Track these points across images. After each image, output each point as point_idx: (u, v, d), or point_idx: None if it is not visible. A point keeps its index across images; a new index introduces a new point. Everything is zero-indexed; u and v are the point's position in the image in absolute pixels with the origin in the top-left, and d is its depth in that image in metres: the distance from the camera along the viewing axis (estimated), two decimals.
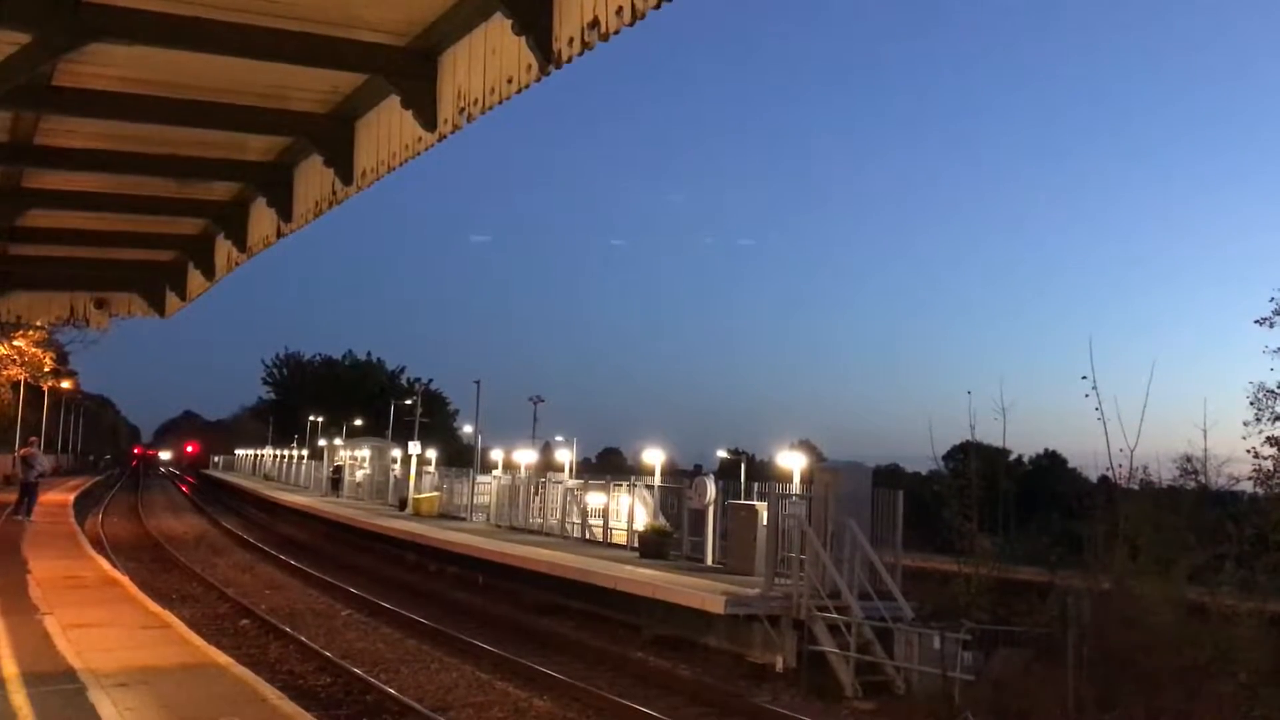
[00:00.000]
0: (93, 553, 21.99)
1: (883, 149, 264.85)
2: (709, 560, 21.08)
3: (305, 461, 65.75)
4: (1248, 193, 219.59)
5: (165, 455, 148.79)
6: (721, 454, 61.33)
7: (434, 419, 78.79)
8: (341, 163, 8.63)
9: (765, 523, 17.91)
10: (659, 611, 17.26)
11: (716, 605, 15.63)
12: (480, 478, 36.40)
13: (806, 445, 48.06)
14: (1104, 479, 17.84)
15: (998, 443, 21.08)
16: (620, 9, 5.11)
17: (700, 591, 16.38)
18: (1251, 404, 17.92)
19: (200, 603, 20.79)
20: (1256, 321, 18.32)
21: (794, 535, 16.85)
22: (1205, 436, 16.92)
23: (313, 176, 9.43)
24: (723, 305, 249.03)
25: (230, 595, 21.57)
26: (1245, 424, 17.77)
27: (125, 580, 17.67)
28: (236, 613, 19.65)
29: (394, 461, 47.38)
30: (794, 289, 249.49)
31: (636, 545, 22.99)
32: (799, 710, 13.36)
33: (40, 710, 8.11)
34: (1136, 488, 16.74)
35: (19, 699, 8.49)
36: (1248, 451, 17.51)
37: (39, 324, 37.03)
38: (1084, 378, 17.12)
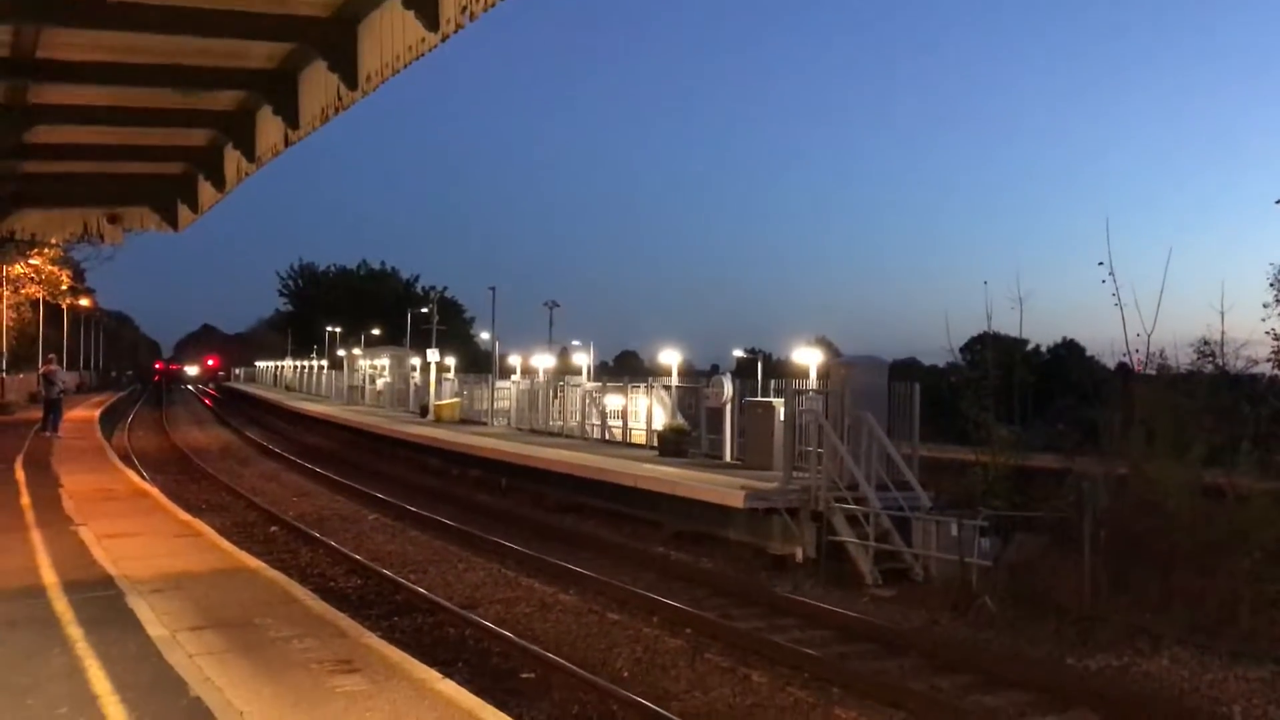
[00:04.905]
0: (121, 466, 22.40)
1: (903, 54, 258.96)
2: (727, 457, 21.30)
3: (325, 371, 66.36)
4: (1266, 73, 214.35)
5: (192, 370, 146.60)
6: (738, 353, 61.36)
7: (450, 326, 79.19)
8: (345, 67, 8.55)
9: (782, 419, 18.04)
10: (679, 508, 17.52)
11: (736, 500, 15.85)
12: (499, 383, 36.69)
13: (823, 342, 47.90)
14: (1121, 365, 17.82)
15: (1015, 333, 21.04)
16: None
17: (719, 487, 16.60)
18: (1271, 285, 17.87)
19: (229, 511, 21.18)
20: (1277, 202, 18.14)
21: (810, 430, 16.98)
22: (1223, 319, 16.82)
23: (317, 82, 9.35)
24: (736, 209, 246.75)
25: (258, 503, 21.98)
26: (1265, 305, 17.74)
27: (155, 491, 18.02)
28: (265, 520, 20.05)
29: (413, 369, 47.81)
30: (811, 190, 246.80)
31: (655, 444, 23.26)
32: (820, 598, 13.64)
33: (81, 616, 8.36)
34: (1153, 373, 16.71)
35: (61, 605, 8.76)
36: (1267, 333, 17.50)
37: (54, 241, 37.16)
38: (1100, 263, 16.98)
